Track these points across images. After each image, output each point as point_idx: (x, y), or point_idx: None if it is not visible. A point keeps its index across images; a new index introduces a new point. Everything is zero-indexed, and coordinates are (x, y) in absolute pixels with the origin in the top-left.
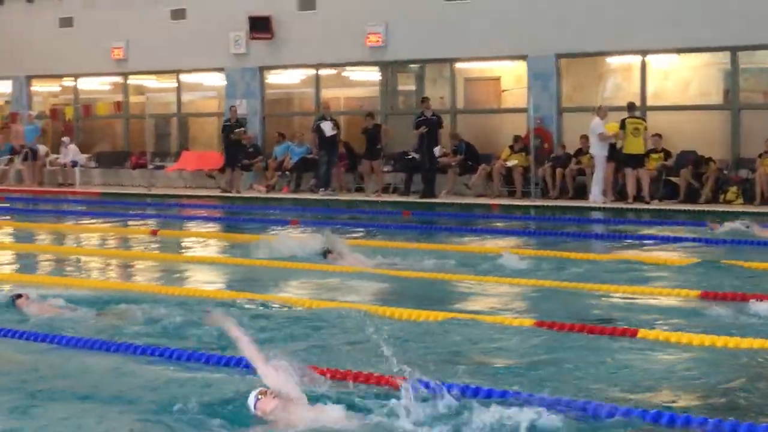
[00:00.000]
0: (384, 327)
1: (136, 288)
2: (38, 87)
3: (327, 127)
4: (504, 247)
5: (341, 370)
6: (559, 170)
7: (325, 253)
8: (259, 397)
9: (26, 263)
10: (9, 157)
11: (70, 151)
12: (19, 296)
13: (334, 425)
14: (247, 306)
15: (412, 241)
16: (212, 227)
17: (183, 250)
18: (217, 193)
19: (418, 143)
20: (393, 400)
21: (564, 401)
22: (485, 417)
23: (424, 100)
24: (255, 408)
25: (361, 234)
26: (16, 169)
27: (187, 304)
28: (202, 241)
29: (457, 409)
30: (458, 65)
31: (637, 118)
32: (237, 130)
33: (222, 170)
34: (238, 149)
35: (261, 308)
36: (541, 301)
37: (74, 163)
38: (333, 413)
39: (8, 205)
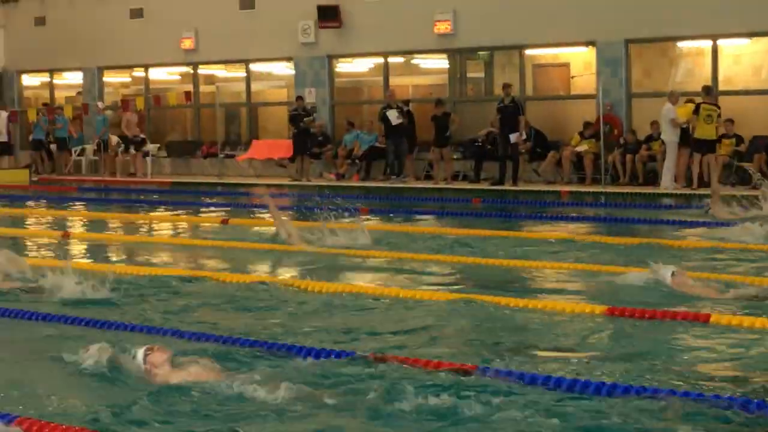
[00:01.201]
0: (461, 314)
1: (207, 275)
2: (110, 78)
3: (392, 116)
4: (574, 233)
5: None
6: (629, 156)
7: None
8: (148, 352)
9: (99, 253)
10: (81, 147)
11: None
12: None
13: (206, 378)
14: (315, 295)
15: (484, 227)
16: (283, 216)
17: (253, 239)
18: (287, 181)
19: (498, 130)
20: None
21: (650, 390)
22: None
23: (505, 86)
24: (145, 362)
25: (431, 221)
26: (90, 159)
27: (255, 291)
28: (273, 230)
29: (522, 398)
30: (527, 51)
31: (710, 104)
32: (306, 119)
33: (292, 159)
34: (307, 138)
35: (335, 297)
36: (612, 288)
37: (145, 153)
38: (207, 369)
39: (80, 195)
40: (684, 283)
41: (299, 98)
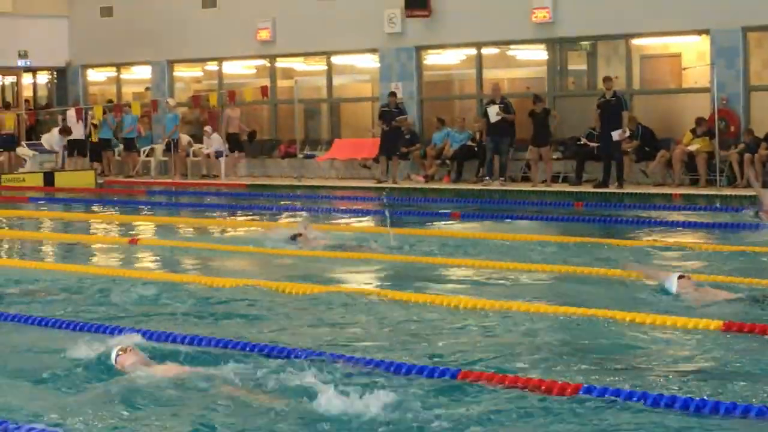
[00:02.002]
0: (559, 328)
1: (281, 287)
2: (180, 72)
3: (492, 112)
4: (687, 241)
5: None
6: (747, 156)
7: (295, 237)
8: (120, 353)
9: (167, 259)
10: (151, 146)
11: (214, 141)
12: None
13: (175, 377)
14: (409, 305)
15: (586, 234)
16: (367, 221)
17: (336, 246)
18: (371, 183)
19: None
20: None
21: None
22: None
23: (606, 80)
24: (116, 362)
25: (528, 226)
26: (159, 159)
27: (343, 303)
28: (356, 236)
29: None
30: (634, 41)
31: None
32: (399, 118)
33: (377, 159)
34: (396, 137)
35: (424, 308)
36: (729, 302)
37: (218, 153)
38: (175, 368)
39: (149, 199)
40: (688, 288)
41: (392, 94)
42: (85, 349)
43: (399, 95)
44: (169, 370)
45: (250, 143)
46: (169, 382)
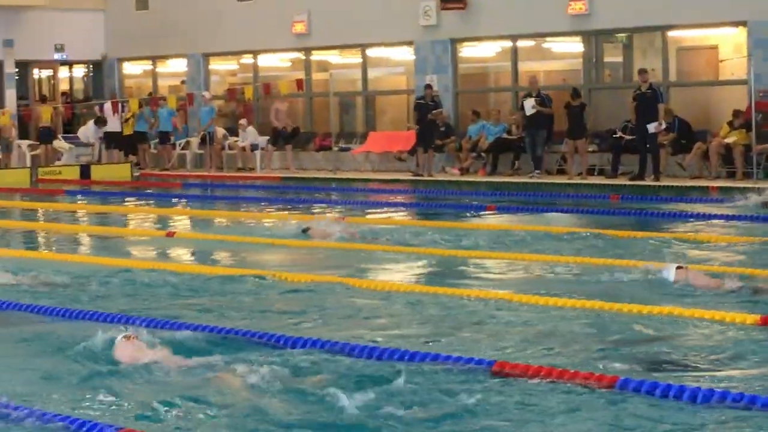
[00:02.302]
0: (594, 322)
1: (321, 279)
2: (216, 65)
3: (527, 105)
4: (723, 234)
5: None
6: None
7: (305, 230)
8: (123, 340)
9: (203, 253)
10: (186, 140)
11: (249, 134)
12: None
13: (172, 363)
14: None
15: (622, 226)
16: (402, 213)
17: (371, 239)
18: (406, 176)
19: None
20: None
21: None
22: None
23: (642, 72)
24: (117, 351)
25: (564, 219)
26: (194, 153)
27: (374, 297)
28: (392, 229)
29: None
30: (670, 33)
31: None
32: (435, 111)
33: (412, 152)
34: (432, 129)
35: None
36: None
37: (254, 146)
38: (171, 355)
39: (185, 192)
40: (686, 278)
41: (428, 87)
42: (101, 337)
43: (434, 88)
44: (169, 358)
45: (292, 138)
46: (169, 370)
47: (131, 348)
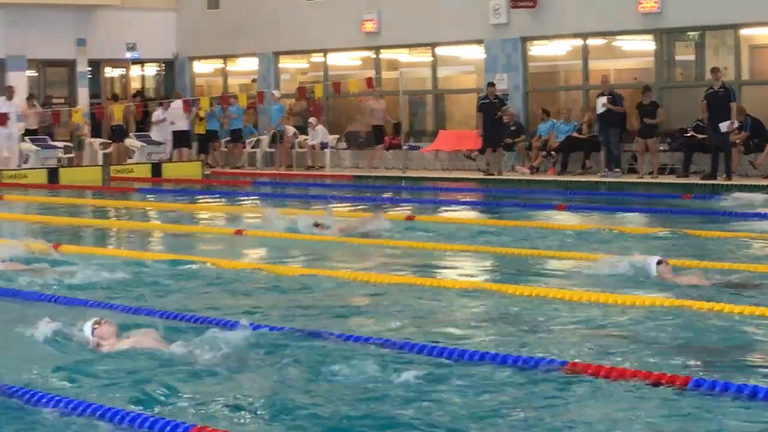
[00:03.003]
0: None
1: (388, 280)
2: (286, 64)
3: (598, 104)
4: None
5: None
6: None
7: (316, 224)
8: (95, 327)
9: (274, 250)
10: (256, 138)
11: (319, 132)
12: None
13: (149, 346)
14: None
15: (692, 225)
16: (472, 212)
17: (441, 238)
18: (476, 175)
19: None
20: None
21: None
22: None
23: (714, 71)
24: (93, 335)
25: (635, 218)
26: (265, 151)
27: (442, 296)
28: (461, 227)
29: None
30: (743, 31)
31: None
32: (503, 108)
33: (482, 151)
34: (500, 128)
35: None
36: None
37: (323, 145)
38: (148, 339)
39: (254, 190)
40: (667, 272)
41: (490, 85)
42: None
43: (502, 86)
44: (142, 342)
45: (396, 134)
46: (144, 354)
47: (111, 329)
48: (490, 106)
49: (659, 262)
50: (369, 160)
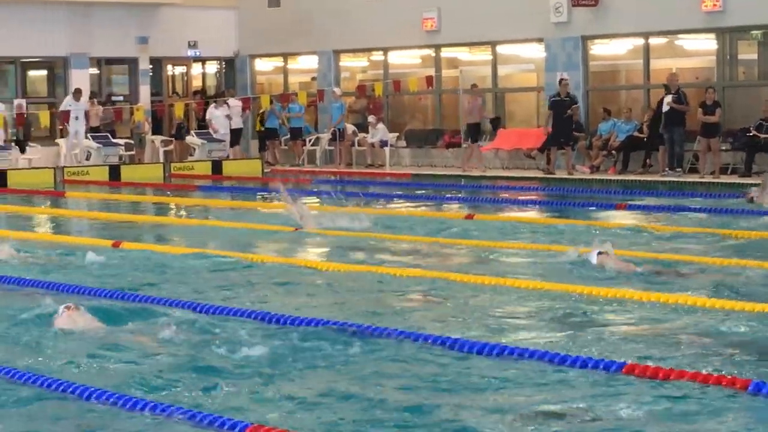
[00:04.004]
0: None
1: (451, 277)
2: (346, 62)
3: (663, 102)
4: None
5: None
6: None
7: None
8: (65, 310)
9: (333, 248)
10: (315, 136)
11: (379, 131)
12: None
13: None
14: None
15: (759, 228)
16: (531, 212)
17: (501, 236)
18: (536, 174)
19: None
20: None
21: None
22: None
23: None
24: (61, 314)
25: (695, 218)
26: (324, 149)
27: (502, 294)
28: (521, 227)
29: None
30: None
31: None
32: (574, 107)
33: (542, 149)
34: (570, 126)
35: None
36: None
37: (383, 143)
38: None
39: (314, 188)
40: (606, 262)
41: (562, 81)
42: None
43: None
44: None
45: (494, 130)
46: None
47: (76, 316)
48: (561, 104)
49: (600, 253)
50: (465, 159)
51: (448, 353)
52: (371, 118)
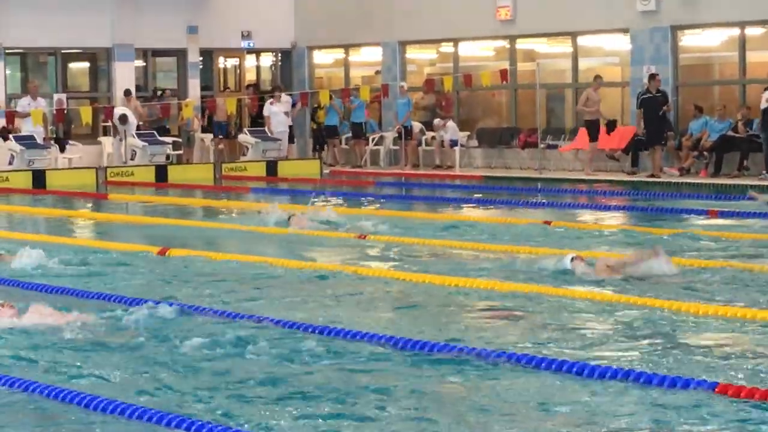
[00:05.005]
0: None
1: (527, 289)
2: (413, 54)
3: (762, 99)
4: None
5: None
6: None
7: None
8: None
9: (399, 256)
10: (379, 134)
11: (448, 129)
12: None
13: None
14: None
15: None
16: (615, 218)
17: (581, 244)
18: (620, 177)
19: None
20: None
21: None
22: None
23: None
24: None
25: None
26: (389, 148)
27: (581, 306)
28: (603, 234)
29: None
30: None
31: None
32: (668, 104)
33: (627, 150)
34: (663, 125)
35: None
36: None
37: (453, 143)
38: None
39: (378, 191)
40: (579, 266)
41: (653, 77)
42: None
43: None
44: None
45: (608, 132)
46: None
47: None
48: (653, 101)
49: (572, 259)
50: (588, 162)
51: (540, 372)
52: (436, 121)
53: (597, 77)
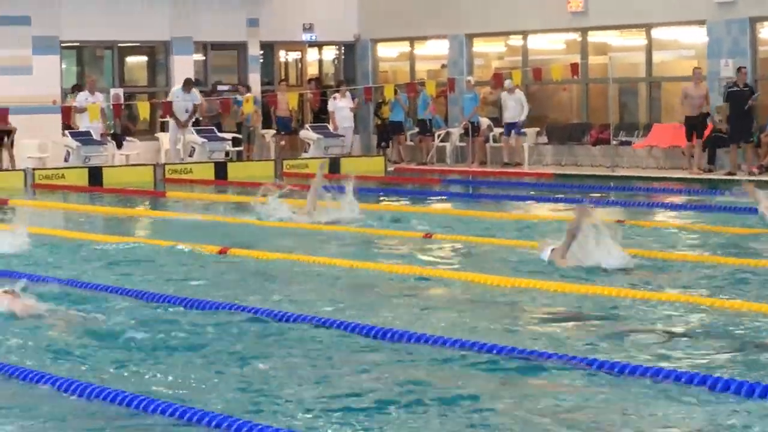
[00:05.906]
0: None
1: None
2: (480, 47)
3: None
4: None
5: None
6: None
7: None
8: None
9: (465, 256)
10: (446, 130)
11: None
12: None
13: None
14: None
15: None
16: (689, 218)
17: (654, 244)
18: (695, 175)
19: None
20: None
21: None
22: None
23: None
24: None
25: None
26: (455, 145)
27: (652, 308)
28: (678, 234)
29: None
30: None
31: None
32: (754, 96)
33: (704, 146)
34: (749, 120)
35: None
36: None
37: (510, 126)
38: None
39: (444, 189)
40: (555, 258)
41: (742, 70)
42: None
43: (727, 74)
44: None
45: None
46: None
47: (18, 301)
48: (740, 96)
49: (553, 250)
50: (698, 160)
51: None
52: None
53: (696, 69)
